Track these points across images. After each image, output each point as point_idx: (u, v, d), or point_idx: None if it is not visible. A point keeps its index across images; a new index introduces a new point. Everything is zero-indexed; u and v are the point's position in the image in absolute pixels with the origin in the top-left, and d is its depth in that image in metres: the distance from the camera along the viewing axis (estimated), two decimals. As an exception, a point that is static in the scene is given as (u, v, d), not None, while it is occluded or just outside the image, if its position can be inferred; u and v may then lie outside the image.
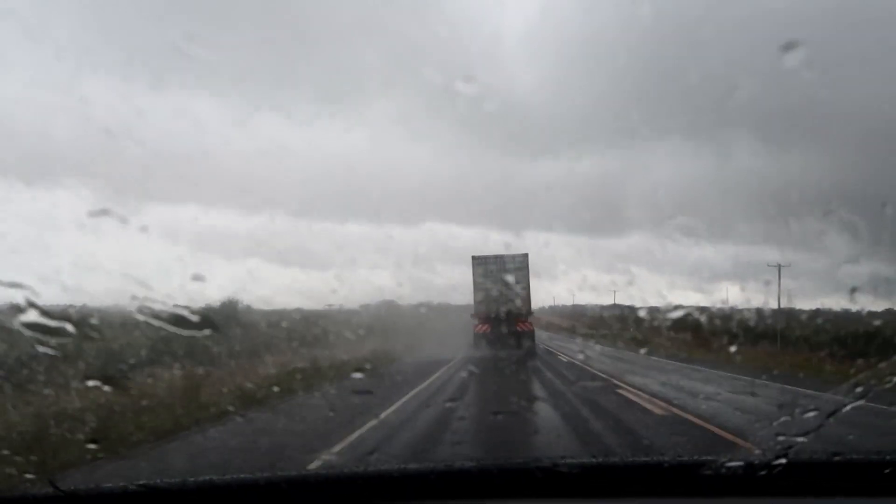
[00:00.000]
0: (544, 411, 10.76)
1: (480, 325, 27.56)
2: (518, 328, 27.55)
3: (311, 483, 2.48)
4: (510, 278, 29.00)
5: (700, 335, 28.57)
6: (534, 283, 29.80)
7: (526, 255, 29.29)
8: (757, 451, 2.30)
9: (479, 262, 29.19)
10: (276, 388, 11.84)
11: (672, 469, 2.33)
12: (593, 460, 2.66)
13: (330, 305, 28.92)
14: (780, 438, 2.38)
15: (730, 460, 2.14)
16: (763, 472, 2.08)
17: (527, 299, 28.99)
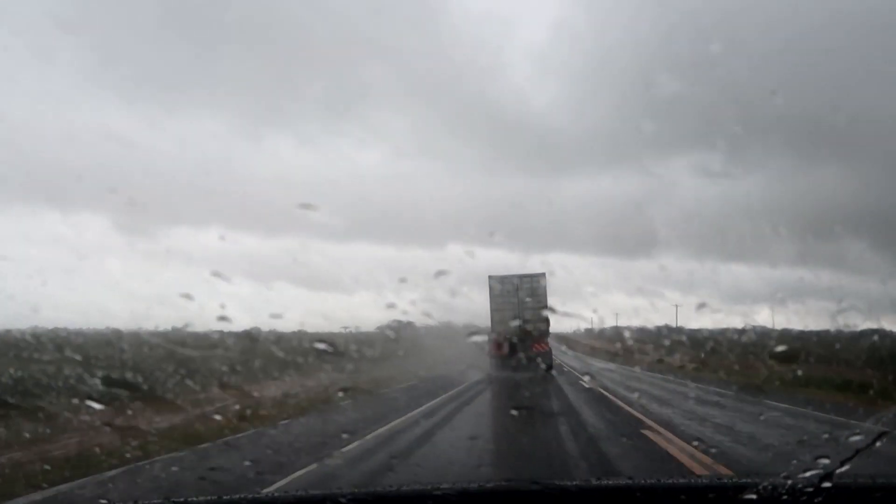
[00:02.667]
0: None
1: (496, 347, 27.08)
2: (535, 349, 27.00)
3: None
4: (527, 298, 28.54)
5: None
6: (565, 306, 29.37)
7: (543, 275, 28.85)
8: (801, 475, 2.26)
9: (495, 281, 28.79)
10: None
11: (713, 489, 2.32)
12: (628, 482, 2.70)
13: (346, 328, 28.67)
14: (823, 462, 2.32)
15: (772, 482, 2.13)
16: (806, 496, 2.06)
17: (545, 319, 28.44)
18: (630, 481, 2.67)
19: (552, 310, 31.67)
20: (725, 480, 2.54)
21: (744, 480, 2.21)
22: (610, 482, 2.47)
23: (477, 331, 28.04)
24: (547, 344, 27.46)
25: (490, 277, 28.81)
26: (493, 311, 28.57)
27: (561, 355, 47.53)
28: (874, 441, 2.41)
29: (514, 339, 26.95)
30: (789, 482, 2.09)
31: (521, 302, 28.46)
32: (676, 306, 51.53)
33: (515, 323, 28.24)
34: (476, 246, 28.76)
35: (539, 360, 27.16)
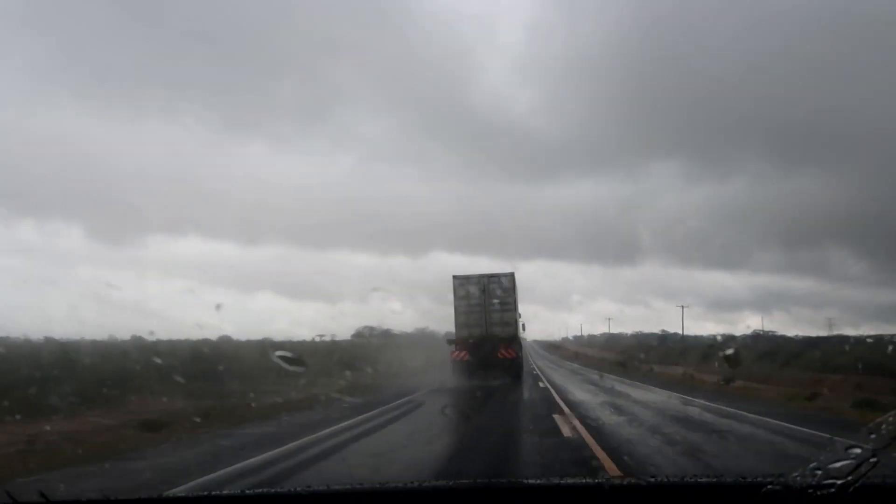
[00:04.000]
0: None
1: (458, 352, 24.53)
2: (501, 355, 24.43)
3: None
4: (495, 300, 26.07)
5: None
6: (547, 314, 27.14)
7: (511, 274, 26.36)
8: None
9: (460, 281, 26.29)
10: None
11: (737, 488, 2.37)
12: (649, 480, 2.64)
13: (321, 336, 26.76)
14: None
15: (793, 478, 2.16)
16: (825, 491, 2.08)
17: (513, 322, 25.94)
18: (643, 480, 2.57)
19: (520, 314, 29.30)
20: (748, 478, 2.30)
21: (767, 478, 2.20)
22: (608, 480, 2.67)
23: (446, 336, 25.51)
24: (515, 350, 24.84)
25: (454, 278, 26.32)
26: (457, 314, 26.03)
27: (555, 370, 44.70)
28: None
29: (479, 345, 24.45)
30: (819, 472, 2.10)
31: (487, 304, 26.01)
32: (682, 307, 48.44)
33: (480, 327, 25.80)
34: (457, 253, 26.38)
35: (507, 367, 24.66)
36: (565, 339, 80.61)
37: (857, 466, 2.06)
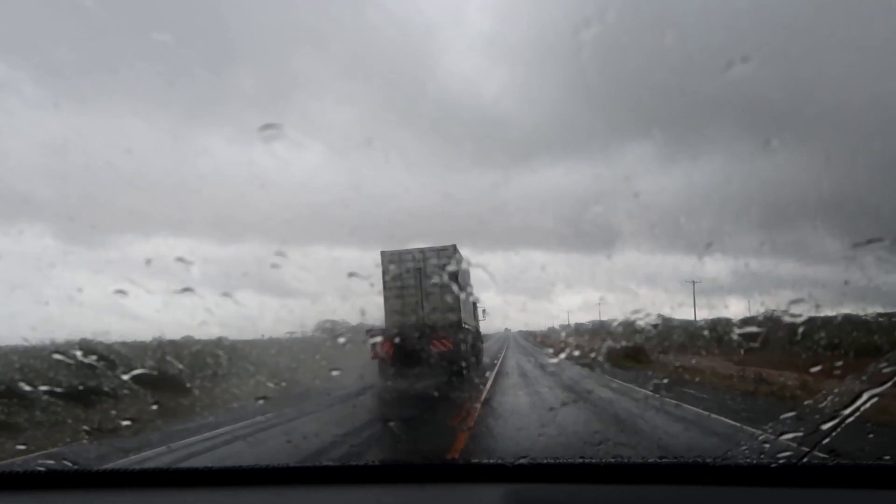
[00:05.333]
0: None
1: (381, 345, 19.92)
2: (435, 347, 19.79)
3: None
4: (434, 280, 21.50)
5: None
6: (532, 305, 22.81)
7: (454, 248, 21.80)
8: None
9: (390, 258, 21.76)
10: None
11: (694, 467, 2.44)
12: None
13: (291, 333, 23.24)
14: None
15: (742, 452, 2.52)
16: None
17: (457, 307, 21.42)
18: (610, 461, 2.67)
19: (469, 296, 24.65)
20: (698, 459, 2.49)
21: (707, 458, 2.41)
22: (593, 460, 2.60)
23: (371, 329, 20.87)
24: (452, 341, 20.17)
25: (382, 254, 21.81)
26: (387, 298, 21.55)
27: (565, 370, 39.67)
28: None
29: (406, 337, 19.85)
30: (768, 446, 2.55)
31: (424, 285, 21.45)
32: (694, 282, 42.75)
33: (416, 314, 21.26)
34: (430, 243, 21.87)
35: (445, 363, 20.07)
36: (551, 329, 76.19)
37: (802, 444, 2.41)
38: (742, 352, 24.00)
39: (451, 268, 21.57)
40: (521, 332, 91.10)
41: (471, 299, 26.53)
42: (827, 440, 2.34)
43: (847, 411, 2.53)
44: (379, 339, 19.75)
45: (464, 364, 20.82)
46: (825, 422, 2.45)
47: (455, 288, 21.50)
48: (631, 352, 32.40)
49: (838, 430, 2.43)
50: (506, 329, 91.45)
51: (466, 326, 23.04)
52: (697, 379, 20.05)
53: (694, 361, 24.97)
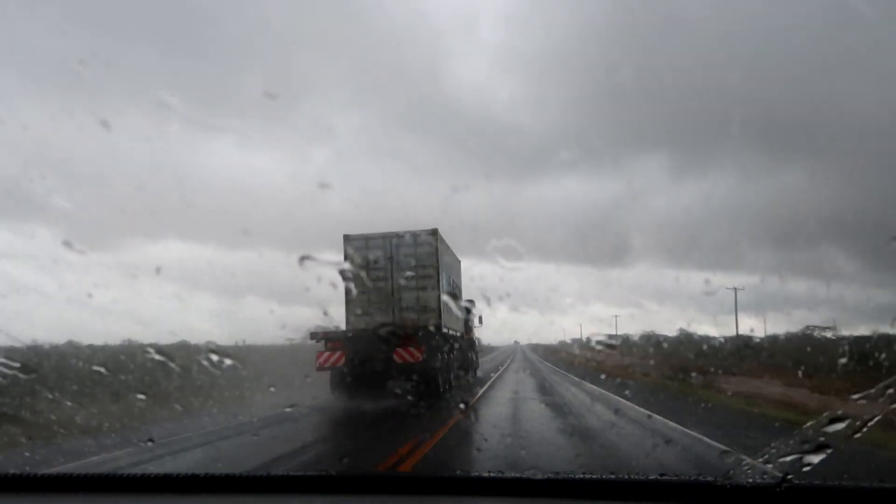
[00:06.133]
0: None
1: (328, 354, 15.34)
2: (399, 358, 15.15)
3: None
4: (407, 272, 17.09)
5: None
6: (542, 318, 19.70)
7: (435, 232, 17.40)
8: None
9: (355, 244, 17.40)
10: None
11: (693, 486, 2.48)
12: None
13: (290, 340, 18.66)
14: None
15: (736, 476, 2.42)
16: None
17: (435, 308, 16.96)
18: (595, 476, 2.68)
19: (455, 295, 20.18)
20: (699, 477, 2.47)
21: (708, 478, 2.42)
22: (575, 476, 2.64)
23: (316, 332, 16.41)
24: (422, 349, 15.53)
25: (345, 239, 17.44)
26: (349, 294, 17.16)
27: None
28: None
29: (366, 343, 15.34)
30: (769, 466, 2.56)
31: (395, 279, 17.05)
32: (735, 289, 37.86)
33: (386, 313, 16.84)
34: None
35: (414, 377, 15.54)
36: (562, 343, 71.69)
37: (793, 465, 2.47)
38: (800, 373, 19.15)
39: (431, 258, 17.15)
40: (529, 345, 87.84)
41: (461, 301, 22.05)
42: None
43: None
44: (326, 344, 15.30)
45: (441, 380, 16.26)
46: None
47: (437, 283, 17.06)
48: (670, 371, 25.68)
49: None
50: (515, 342, 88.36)
51: (451, 333, 18.57)
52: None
53: (756, 386, 19.67)
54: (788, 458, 2.60)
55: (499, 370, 30.87)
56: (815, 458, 2.62)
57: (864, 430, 3.76)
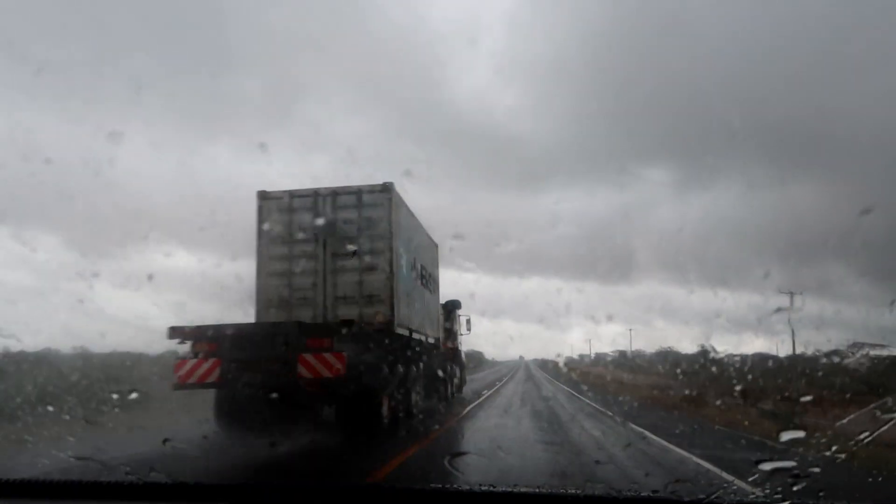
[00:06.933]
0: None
1: (196, 364, 9.61)
2: (309, 371, 9.40)
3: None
4: (347, 243, 11.63)
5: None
6: (546, 333, 22.26)
7: (388, 189, 11.93)
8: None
9: (275, 204, 11.99)
10: None
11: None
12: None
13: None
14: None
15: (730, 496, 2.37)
16: None
17: (387, 298, 11.47)
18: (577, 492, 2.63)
19: (424, 284, 14.52)
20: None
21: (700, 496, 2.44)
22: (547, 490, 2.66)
23: (177, 328, 10.71)
24: (343, 358, 9.72)
25: (261, 197, 12.02)
26: (261, 272, 11.72)
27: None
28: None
29: (258, 346, 9.64)
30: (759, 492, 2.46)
31: (328, 255, 11.60)
32: (792, 293, 33.40)
33: (310, 308, 11.36)
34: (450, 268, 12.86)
35: (331, 400, 9.91)
36: (569, 359, 67.26)
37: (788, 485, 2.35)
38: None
39: (382, 225, 11.67)
40: (534, 361, 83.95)
41: (435, 295, 16.52)
42: None
43: None
44: (193, 348, 9.70)
45: (385, 406, 10.63)
46: None
47: (390, 263, 11.56)
48: (752, 402, 17.16)
49: None
50: (520, 357, 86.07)
51: (414, 337, 13.04)
52: None
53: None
54: None
55: (483, 394, 24.47)
56: None
57: None
